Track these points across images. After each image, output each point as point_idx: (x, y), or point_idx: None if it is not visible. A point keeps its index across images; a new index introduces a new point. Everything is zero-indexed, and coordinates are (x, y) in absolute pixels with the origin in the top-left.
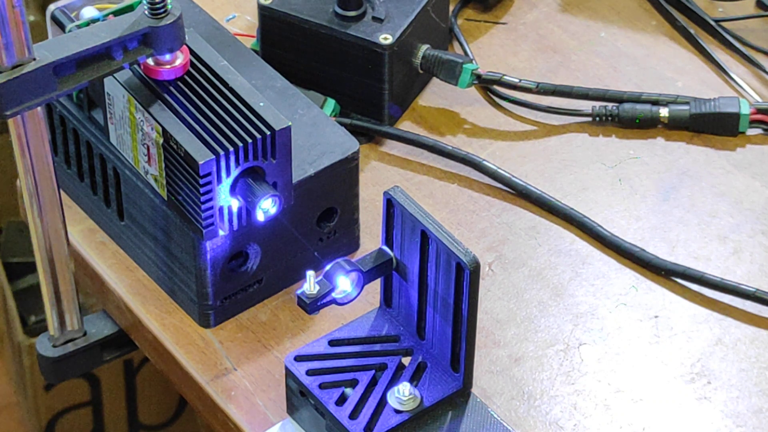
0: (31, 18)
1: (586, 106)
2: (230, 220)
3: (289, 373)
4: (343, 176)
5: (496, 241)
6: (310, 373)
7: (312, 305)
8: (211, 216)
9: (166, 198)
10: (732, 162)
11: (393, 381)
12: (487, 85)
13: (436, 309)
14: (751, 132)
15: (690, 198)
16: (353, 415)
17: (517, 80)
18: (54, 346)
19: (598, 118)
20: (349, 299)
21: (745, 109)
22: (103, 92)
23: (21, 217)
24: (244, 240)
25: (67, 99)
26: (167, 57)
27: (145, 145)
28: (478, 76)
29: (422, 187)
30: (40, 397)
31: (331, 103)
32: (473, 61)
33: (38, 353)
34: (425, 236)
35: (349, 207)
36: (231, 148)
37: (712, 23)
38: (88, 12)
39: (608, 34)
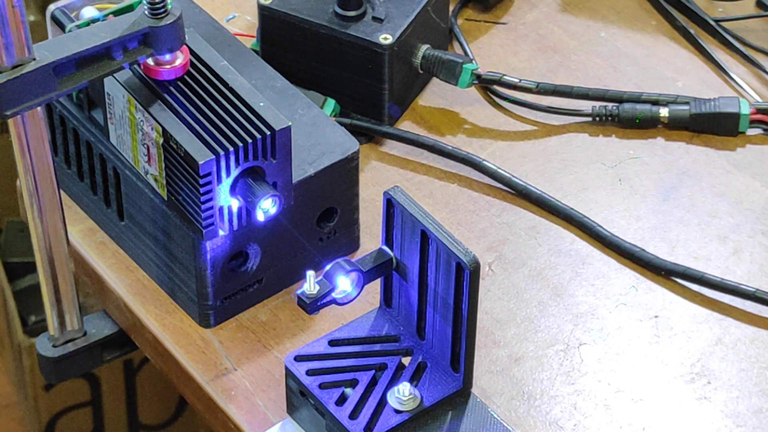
0: (31, 18)
1: (586, 106)
2: (230, 220)
3: (289, 373)
4: (343, 176)
5: (496, 241)
6: (310, 373)
7: (312, 305)
8: (211, 216)
9: (166, 198)
10: (732, 162)
11: (393, 381)
12: (487, 85)
13: (436, 309)
14: (751, 132)
15: (690, 198)
16: (353, 415)
17: (517, 80)
18: (54, 346)
19: (598, 118)
20: (349, 299)
21: (745, 109)
22: (103, 92)
23: (21, 217)
24: (244, 240)
25: (67, 99)
26: (167, 57)
27: (145, 145)
28: (478, 76)
29: (422, 187)
30: (40, 397)
31: (331, 103)
32: (473, 61)
33: (38, 353)
34: (425, 236)
35: (349, 207)
36: (231, 148)
37: (712, 23)
38: (88, 12)
39: (608, 34)
